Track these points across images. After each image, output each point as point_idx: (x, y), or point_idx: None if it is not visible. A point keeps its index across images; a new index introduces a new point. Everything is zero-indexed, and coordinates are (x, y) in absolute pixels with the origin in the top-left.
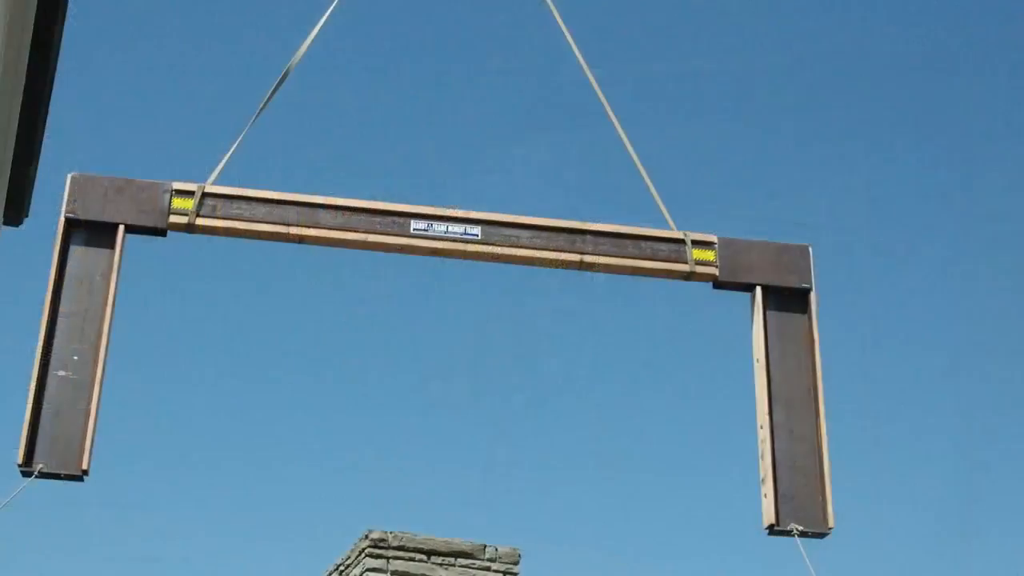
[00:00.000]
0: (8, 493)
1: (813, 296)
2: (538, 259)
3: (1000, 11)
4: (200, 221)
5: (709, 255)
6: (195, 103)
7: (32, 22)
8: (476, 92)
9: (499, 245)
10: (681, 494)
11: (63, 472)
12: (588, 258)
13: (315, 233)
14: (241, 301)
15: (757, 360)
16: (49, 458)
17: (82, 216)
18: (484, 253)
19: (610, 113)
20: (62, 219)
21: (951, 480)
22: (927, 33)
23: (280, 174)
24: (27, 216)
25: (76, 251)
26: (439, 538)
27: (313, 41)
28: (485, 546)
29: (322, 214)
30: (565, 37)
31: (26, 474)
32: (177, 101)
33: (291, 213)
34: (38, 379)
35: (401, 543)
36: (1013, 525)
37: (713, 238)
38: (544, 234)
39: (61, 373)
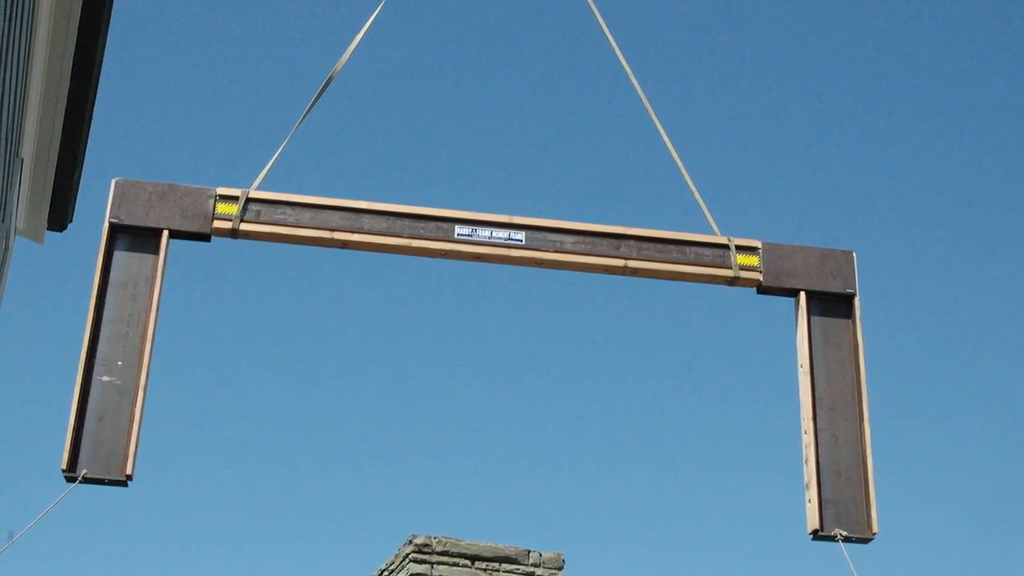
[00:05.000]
0: (52, 498)
1: (857, 301)
2: (582, 264)
3: None
4: (244, 226)
5: (753, 260)
6: (239, 108)
7: (76, 28)
8: (519, 96)
9: (543, 250)
10: (726, 499)
11: (107, 478)
12: (632, 263)
13: (359, 238)
14: (284, 305)
15: (801, 365)
16: (93, 464)
17: (126, 221)
18: (528, 258)
19: (654, 118)
20: (106, 224)
21: (995, 484)
22: (973, 37)
23: (324, 179)
24: (71, 221)
25: (120, 256)
26: (483, 543)
27: (357, 47)
28: (529, 551)
29: (366, 219)
30: (609, 42)
31: (70, 479)
32: (221, 106)
33: (335, 218)
34: (82, 384)
35: (445, 548)
36: None
37: (757, 243)
38: (588, 239)
39: (105, 378)
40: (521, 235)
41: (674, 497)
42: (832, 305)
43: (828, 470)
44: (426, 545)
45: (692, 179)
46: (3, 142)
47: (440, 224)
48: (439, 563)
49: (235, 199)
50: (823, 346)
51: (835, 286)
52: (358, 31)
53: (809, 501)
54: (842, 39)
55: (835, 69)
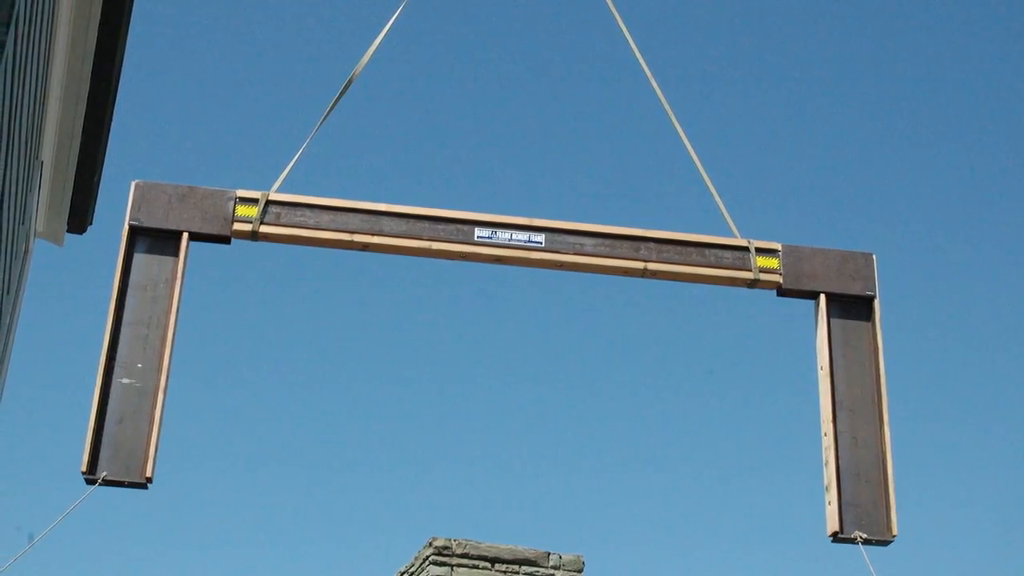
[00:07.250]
0: (72, 501)
1: (877, 304)
2: (602, 267)
3: None
4: (264, 229)
5: (773, 263)
6: (259, 111)
7: (95, 30)
8: (539, 99)
9: (563, 253)
10: (745, 501)
11: (127, 480)
12: (652, 266)
13: (379, 241)
14: (304, 308)
15: (821, 368)
16: (113, 466)
17: (146, 224)
18: (548, 261)
19: (674, 120)
20: (126, 227)
21: (1015, 486)
22: (994, 39)
23: (343, 182)
24: (91, 224)
25: (140, 258)
26: (503, 545)
27: (376, 50)
28: (549, 553)
29: (386, 221)
30: (629, 44)
31: (90, 482)
32: (241, 109)
33: (355, 221)
34: (102, 387)
35: (465, 550)
36: None
37: (777, 246)
38: (608, 242)
39: (125, 381)
40: (541, 237)
41: (694, 499)
42: (852, 307)
43: (848, 472)
44: (446, 547)
45: (712, 181)
46: (23, 145)
47: (460, 226)
48: (459, 565)
49: (255, 201)
50: (843, 348)
51: (855, 288)
52: (378, 34)
53: (829, 503)
54: (862, 41)
55: (855, 70)
